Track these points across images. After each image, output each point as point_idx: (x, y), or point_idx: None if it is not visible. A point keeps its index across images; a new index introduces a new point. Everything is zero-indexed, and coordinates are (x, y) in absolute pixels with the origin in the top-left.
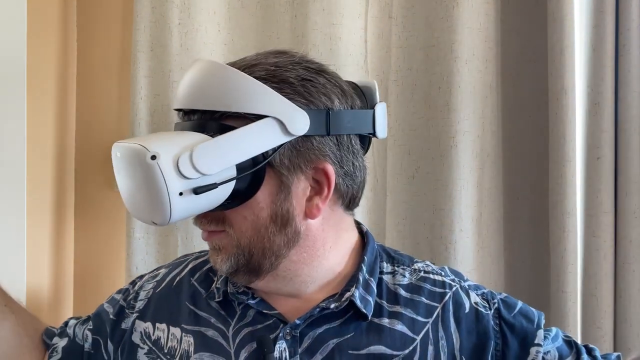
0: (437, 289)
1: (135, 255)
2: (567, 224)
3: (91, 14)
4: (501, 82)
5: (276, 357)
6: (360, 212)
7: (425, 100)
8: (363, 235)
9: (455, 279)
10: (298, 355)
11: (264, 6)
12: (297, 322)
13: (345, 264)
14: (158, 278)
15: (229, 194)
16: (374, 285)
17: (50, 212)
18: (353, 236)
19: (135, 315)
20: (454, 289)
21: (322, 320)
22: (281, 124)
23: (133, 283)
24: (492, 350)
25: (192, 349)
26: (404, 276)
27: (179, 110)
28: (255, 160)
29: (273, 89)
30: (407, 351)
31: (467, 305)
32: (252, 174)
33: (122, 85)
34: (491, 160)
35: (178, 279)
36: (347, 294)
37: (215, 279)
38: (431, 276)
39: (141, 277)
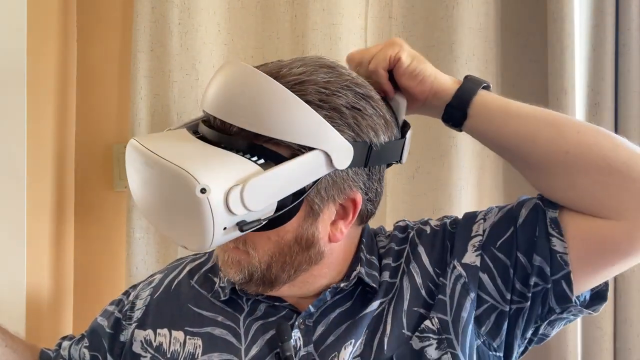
0: (402, 234)
1: (135, 255)
2: None
3: (91, 14)
4: (501, 82)
5: (292, 346)
6: None
7: None
8: None
9: (420, 221)
10: (312, 344)
11: (264, 6)
12: (312, 309)
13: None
14: (154, 284)
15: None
16: (376, 262)
17: (50, 212)
18: (358, 233)
19: (134, 325)
20: (416, 227)
21: (334, 305)
22: (327, 157)
23: (126, 293)
24: (448, 250)
25: (199, 351)
26: (382, 241)
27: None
28: (295, 193)
29: (325, 117)
30: (390, 295)
31: (429, 230)
32: (290, 207)
33: (122, 85)
34: (491, 160)
35: (176, 282)
36: (355, 272)
37: (217, 279)
38: (399, 224)
39: (134, 286)
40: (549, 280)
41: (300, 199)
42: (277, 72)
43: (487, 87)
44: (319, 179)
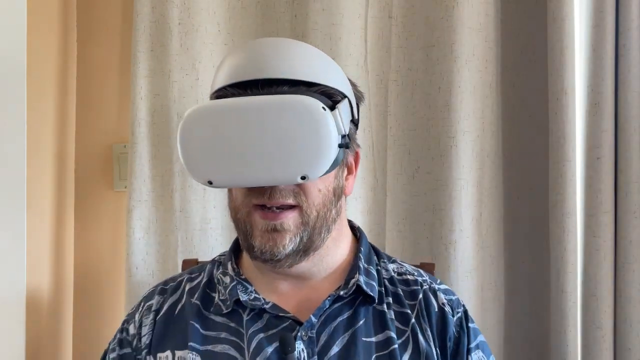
0: (413, 287)
1: (135, 255)
2: (567, 224)
3: (91, 14)
4: (501, 82)
5: (296, 358)
6: (360, 212)
7: (425, 100)
8: (355, 231)
9: (427, 279)
10: (316, 356)
11: (264, 6)
12: (314, 319)
13: (346, 255)
14: (154, 309)
15: (333, 159)
16: (374, 272)
17: (50, 212)
18: (349, 232)
19: (144, 352)
20: (424, 287)
21: (335, 314)
22: (351, 106)
23: (124, 330)
24: (450, 344)
25: None
26: (387, 270)
27: (253, 82)
28: (346, 133)
29: None
30: (401, 340)
31: (436, 305)
32: (345, 146)
33: (122, 85)
34: (491, 160)
35: (179, 306)
36: (353, 280)
37: (215, 294)
38: (409, 276)
39: (127, 321)
40: None
41: (349, 134)
42: None
43: None
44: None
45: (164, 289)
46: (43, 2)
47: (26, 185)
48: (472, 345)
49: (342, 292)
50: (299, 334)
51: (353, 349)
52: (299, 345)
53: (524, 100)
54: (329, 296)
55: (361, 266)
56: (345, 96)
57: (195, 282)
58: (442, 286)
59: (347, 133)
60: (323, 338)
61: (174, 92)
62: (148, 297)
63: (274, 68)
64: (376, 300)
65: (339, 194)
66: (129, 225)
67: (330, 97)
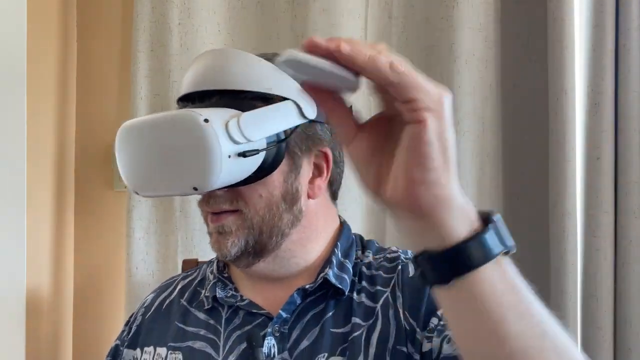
0: (391, 264)
1: (135, 255)
2: (567, 224)
3: (91, 14)
4: (501, 82)
5: (265, 353)
6: (360, 212)
7: None
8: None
9: (410, 255)
10: (286, 351)
11: (264, 6)
12: (283, 314)
13: (322, 252)
14: (146, 304)
15: (258, 165)
16: (349, 266)
17: (50, 212)
18: (335, 225)
19: (125, 345)
20: (404, 263)
21: (307, 309)
22: (298, 107)
23: (127, 322)
24: (423, 310)
25: None
26: (367, 257)
27: (192, 95)
28: (278, 137)
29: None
30: (370, 322)
31: (412, 271)
32: (276, 150)
33: (122, 85)
34: (491, 160)
35: (168, 301)
36: (321, 274)
37: (203, 290)
38: (388, 254)
39: (133, 313)
40: None
41: (285, 139)
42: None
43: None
44: (296, 127)
45: (160, 287)
46: (43, 2)
47: (26, 185)
48: None
49: (307, 286)
50: (269, 329)
51: (320, 342)
52: (270, 341)
53: (524, 100)
54: (297, 290)
55: (334, 260)
56: (285, 98)
57: (188, 279)
58: None
59: (283, 137)
60: (295, 333)
61: (174, 92)
62: (149, 294)
63: (207, 81)
64: (346, 293)
65: (292, 198)
66: (129, 225)
67: (260, 101)
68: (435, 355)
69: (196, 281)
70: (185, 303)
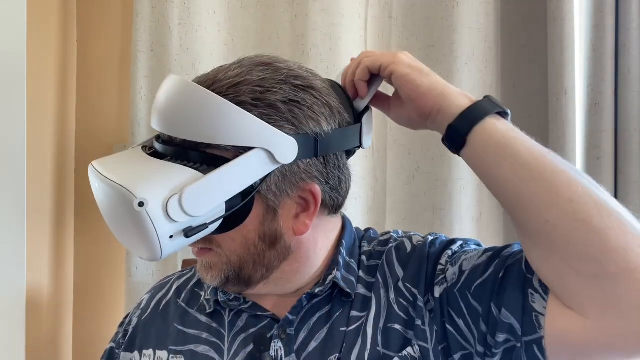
0: (383, 247)
1: (135, 256)
2: None
3: (91, 13)
4: (501, 82)
5: (272, 356)
6: (360, 212)
7: None
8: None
9: (406, 235)
10: (294, 354)
11: (264, 6)
12: (290, 317)
13: (329, 252)
14: (142, 305)
15: (217, 226)
16: (354, 266)
17: (50, 212)
18: (337, 230)
19: (121, 349)
20: (399, 240)
21: (314, 310)
22: (269, 153)
23: (122, 324)
24: (424, 275)
25: None
26: (364, 246)
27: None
28: (243, 193)
29: (260, 116)
30: (366, 312)
31: (409, 247)
32: (242, 205)
33: (122, 85)
34: None
35: (164, 302)
36: (330, 277)
37: (203, 292)
38: (381, 237)
39: (127, 315)
40: (520, 339)
41: (249, 197)
42: (213, 79)
43: (503, 114)
44: (266, 176)
45: (154, 287)
46: (43, 2)
47: (26, 185)
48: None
49: (317, 290)
50: (276, 331)
51: (331, 342)
52: (277, 344)
53: (524, 100)
54: (305, 294)
55: (341, 261)
56: (251, 148)
57: (184, 279)
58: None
59: (251, 189)
60: (302, 335)
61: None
62: (144, 294)
63: (170, 126)
64: (353, 296)
65: (272, 238)
66: None
67: (224, 150)
68: (456, 279)
69: (193, 281)
70: (183, 304)
